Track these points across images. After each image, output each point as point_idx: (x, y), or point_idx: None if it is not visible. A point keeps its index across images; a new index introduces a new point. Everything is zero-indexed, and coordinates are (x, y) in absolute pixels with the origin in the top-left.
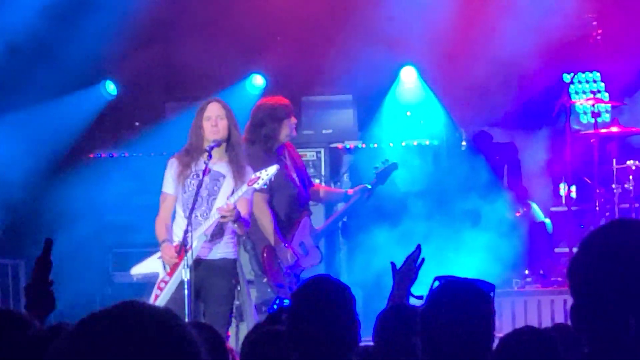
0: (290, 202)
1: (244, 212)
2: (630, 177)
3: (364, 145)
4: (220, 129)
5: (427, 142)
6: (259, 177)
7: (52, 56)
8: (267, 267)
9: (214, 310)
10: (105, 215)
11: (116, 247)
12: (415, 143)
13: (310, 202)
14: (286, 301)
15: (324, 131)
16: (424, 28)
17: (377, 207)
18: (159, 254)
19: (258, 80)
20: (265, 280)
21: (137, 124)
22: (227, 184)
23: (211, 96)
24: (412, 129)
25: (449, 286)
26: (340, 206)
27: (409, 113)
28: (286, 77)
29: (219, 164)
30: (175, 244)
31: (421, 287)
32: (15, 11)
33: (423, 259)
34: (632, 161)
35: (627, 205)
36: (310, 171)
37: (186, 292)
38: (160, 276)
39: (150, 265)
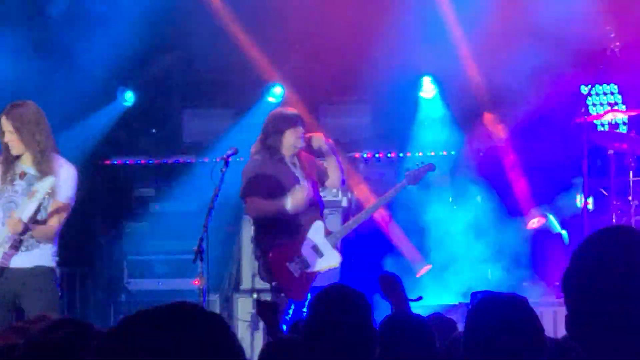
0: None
1: (54, 223)
2: None
3: (381, 155)
4: (15, 144)
5: (445, 153)
6: (36, 190)
7: (70, 62)
8: (274, 271)
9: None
10: (120, 223)
11: (131, 254)
12: (432, 153)
13: (328, 210)
14: (292, 306)
15: (341, 140)
16: (442, 39)
17: (391, 215)
18: None
19: (277, 90)
20: (274, 284)
21: (153, 130)
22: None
23: (228, 104)
24: (430, 139)
25: (490, 302)
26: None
27: None
28: (304, 85)
29: (34, 168)
30: None
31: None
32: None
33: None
34: None
35: None
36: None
37: None
38: None
39: None
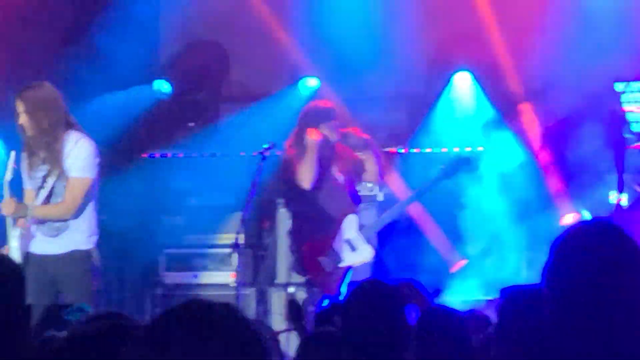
0: (334, 201)
1: (67, 200)
2: None
3: (417, 150)
4: (27, 125)
5: (481, 149)
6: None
7: (106, 52)
8: (307, 265)
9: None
10: (157, 216)
11: (167, 247)
12: (468, 149)
13: (364, 204)
14: (325, 301)
15: (377, 135)
16: (477, 32)
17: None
18: None
19: (311, 82)
20: (307, 278)
21: (191, 124)
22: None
23: (264, 96)
24: (465, 134)
25: (518, 295)
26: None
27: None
28: (341, 79)
29: (46, 150)
30: None
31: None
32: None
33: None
34: None
35: None
36: None
37: None
38: None
39: None
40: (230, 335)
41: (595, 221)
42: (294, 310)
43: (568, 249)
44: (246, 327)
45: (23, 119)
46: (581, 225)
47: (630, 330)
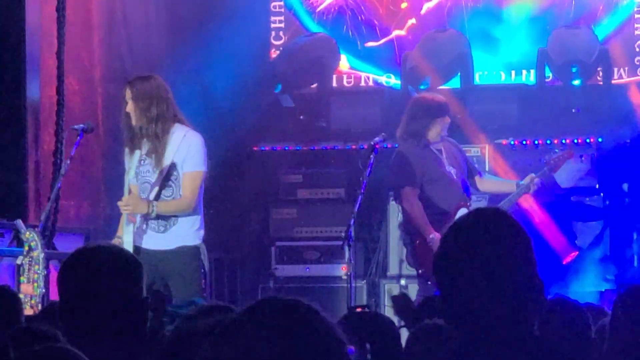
0: (447, 195)
1: (187, 194)
2: None
3: (528, 142)
4: (133, 114)
5: (592, 140)
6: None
7: (216, 42)
8: (421, 259)
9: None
10: (267, 209)
11: (279, 240)
12: (579, 140)
13: (475, 196)
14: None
15: (489, 127)
16: None
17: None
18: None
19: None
20: (420, 271)
21: (301, 117)
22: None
23: (376, 90)
24: (576, 125)
25: (636, 291)
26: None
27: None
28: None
29: (152, 142)
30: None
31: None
32: None
33: None
34: None
35: None
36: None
37: None
38: None
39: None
40: (303, 334)
41: (483, 210)
42: (403, 305)
43: (454, 238)
44: (319, 325)
45: (130, 107)
46: (468, 214)
47: (512, 318)
